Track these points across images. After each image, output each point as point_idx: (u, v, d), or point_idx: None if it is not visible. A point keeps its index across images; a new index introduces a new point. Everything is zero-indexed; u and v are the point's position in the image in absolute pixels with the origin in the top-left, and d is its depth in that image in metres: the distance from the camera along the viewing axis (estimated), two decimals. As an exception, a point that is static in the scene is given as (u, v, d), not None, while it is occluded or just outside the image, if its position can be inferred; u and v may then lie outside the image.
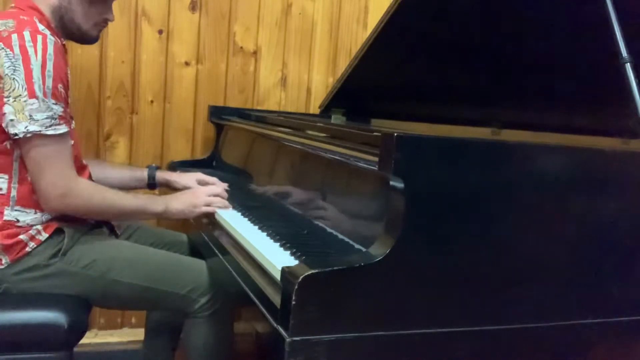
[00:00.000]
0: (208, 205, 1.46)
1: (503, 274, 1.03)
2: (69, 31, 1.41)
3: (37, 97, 1.21)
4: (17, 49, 1.21)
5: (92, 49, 2.01)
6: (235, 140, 2.00)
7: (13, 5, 1.36)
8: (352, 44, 2.37)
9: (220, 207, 1.46)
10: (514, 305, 1.04)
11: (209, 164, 2.10)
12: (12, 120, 1.21)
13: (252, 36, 2.23)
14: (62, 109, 1.27)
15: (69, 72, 1.36)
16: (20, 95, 1.21)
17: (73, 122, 1.42)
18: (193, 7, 2.13)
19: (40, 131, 1.22)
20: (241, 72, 2.23)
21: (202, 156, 2.15)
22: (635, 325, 1.15)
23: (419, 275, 0.96)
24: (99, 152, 2.05)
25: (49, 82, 1.23)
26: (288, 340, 0.87)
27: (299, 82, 2.33)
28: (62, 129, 1.26)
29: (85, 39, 1.45)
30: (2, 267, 1.29)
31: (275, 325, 0.91)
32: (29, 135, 1.21)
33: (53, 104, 1.24)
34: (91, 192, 1.31)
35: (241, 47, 2.22)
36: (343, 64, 2.33)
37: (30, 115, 1.21)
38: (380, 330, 0.93)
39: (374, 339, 0.93)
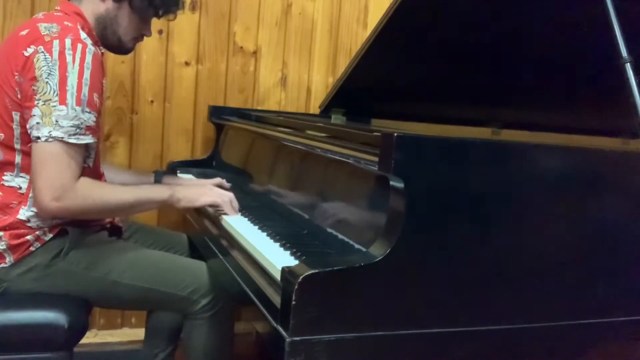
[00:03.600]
0: (217, 198, 1.42)
1: (503, 274, 1.03)
2: (108, 41, 1.43)
3: (67, 105, 1.21)
4: (55, 55, 1.21)
5: (92, 49, 2.01)
6: (235, 140, 2.00)
7: (58, 8, 1.36)
8: (352, 44, 2.37)
9: (226, 206, 1.42)
10: (514, 305, 1.04)
11: (209, 164, 2.10)
12: (37, 123, 1.20)
13: (252, 36, 2.23)
14: (94, 119, 1.26)
15: (104, 82, 1.36)
16: (50, 99, 1.20)
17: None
18: (193, 7, 2.13)
19: (62, 138, 1.20)
20: (241, 72, 2.23)
21: (202, 156, 2.15)
22: (635, 325, 1.15)
23: (419, 275, 0.96)
24: (99, 152, 2.05)
25: (85, 90, 1.23)
26: (288, 340, 0.87)
27: (299, 82, 2.33)
28: (86, 139, 1.24)
29: (122, 50, 1.48)
30: (5, 265, 1.29)
31: (275, 325, 0.91)
32: (50, 140, 1.20)
33: (87, 112, 1.24)
34: (87, 193, 1.26)
35: (241, 47, 2.22)
36: (343, 64, 2.33)
37: (57, 121, 1.20)
38: (380, 330, 0.93)
39: (374, 339, 0.93)
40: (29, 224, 1.29)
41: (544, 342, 1.08)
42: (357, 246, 1.07)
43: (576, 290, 1.10)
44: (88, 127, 1.25)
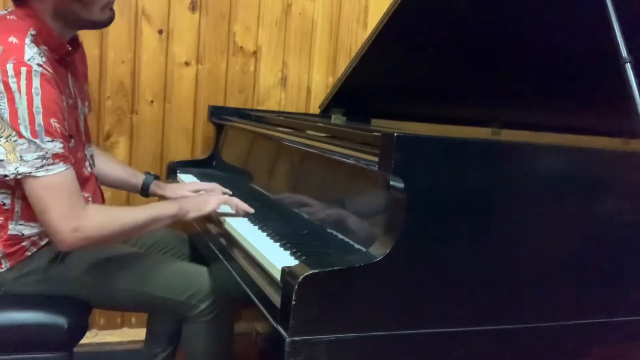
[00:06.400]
0: (221, 202, 1.41)
1: (503, 274, 1.03)
2: (79, 24, 1.32)
3: (24, 137, 1.13)
4: (0, 86, 1.12)
5: (92, 49, 2.01)
6: (235, 140, 2.00)
7: (10, 9, 1.25)
8: (352, 44, 2.37)
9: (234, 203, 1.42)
10: (514, 305, 1.04)
11: (209, 164, 2.10)
12: (1, 160, 1.14)
13: (252, 36, 2.23)
14: (60, 145, 1.16)
15: (64, 97, 1.25)
16: (10, 135, 1.13)
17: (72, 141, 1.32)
18: (193, 7, 2.13)
19: (30, 173, 1.13)
20: (241, 72, 2.23)
21: (202, 156, 2.15)
22: (635, 325, 1.15)
23: (419, 275, 0.96)
24: (99, 152, 2.05)
25: (39, 119, 1.13)
26: (288, 340, 0.87)
27: (299, 82, 2.33)
28: (57, 168, 1.15)
29: (98, 24, 1.33)
30: (1, 270, 1.28)
31: (275, 325, 0.91)
32: (19, 176, 1.14)
33: (47, 141, 1.14)
34: (102, 218, 1.23)
35: (241, 47, 2.22)
36: (343, 64, 2.33)
37: (21, 157, 1.13)
38: (380, 330, 0.93)
39: (374, 339, 0.93)
40: (23, 237, 1.29)
41: (544, 342, 1.08)
42: (357, 246, 1.07)
43: (576, 290, 1.10)
44: (56, 156, 1.15)
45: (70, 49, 1.31)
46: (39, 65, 1.16)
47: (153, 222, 1.32)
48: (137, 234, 1.43)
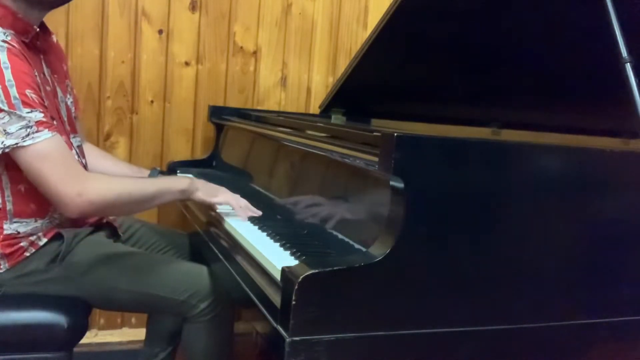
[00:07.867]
0: (232, 200, 1.40)
1: (503, 274, 1.03)
2: (42, 3, 1.29)
3: (4, 111, 1.13)
4: None
5: (92, 49, 2.01)
6: (235, 140, 2.00)
7: None
8: (352, 44, 2.37)
9: (239, 210, 1.39)
10: (514, 305, 1.04)
11: (209, 164, 2.10)
12: None
13: (252, 36, 2.23)
14: (41, 115, 1.17)
15: (37, 73, 1.25)
16: None
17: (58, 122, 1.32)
18: (193, 7, 2.13)
19: (17, 144, 1.14)
20: (241, 72, 2.23)
21: (202, 156, 2.15)
22: (635, 325, 1.15)
23: (419, 275, 0.96)
24: (99, 152, 2.04)
25: (14, 92, 1.14)
26: (288, 340, 0.87)
27: (299, 82, 2.33)
28: (43, 135, 1.16)
29: (60, 0, 1.32)
30: (1, 271, 1.28)
31: (275, 325, 0.91)
32: (7, 150, 1.14)
33: (27, 112, 1.15)
34: (107, 182, 1.22)
35: (241, 47, 2.22)
36: (343, 64, 2.33)
37: (4, 130, 1.14)
38: (380, 330, 0.93)
39: (374, 339, 0.93)
40: (19, 235, 1.29)
41: (544, 342, 1.08)
42: (357, 246, 1.07)
43: (576, 290, 1.10)
44: (39, 123, 1.16)
45: (38, 30, 1.31)
46: (4, 41, 1.18)
47: (162, 194, 1.31)
48: (146, 206, 1.39)
